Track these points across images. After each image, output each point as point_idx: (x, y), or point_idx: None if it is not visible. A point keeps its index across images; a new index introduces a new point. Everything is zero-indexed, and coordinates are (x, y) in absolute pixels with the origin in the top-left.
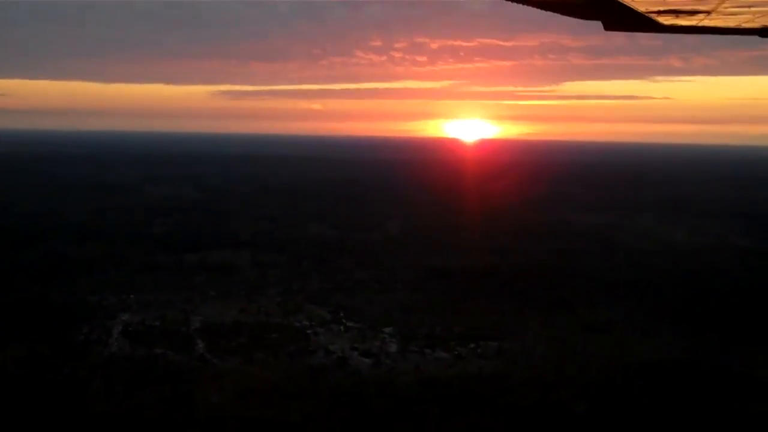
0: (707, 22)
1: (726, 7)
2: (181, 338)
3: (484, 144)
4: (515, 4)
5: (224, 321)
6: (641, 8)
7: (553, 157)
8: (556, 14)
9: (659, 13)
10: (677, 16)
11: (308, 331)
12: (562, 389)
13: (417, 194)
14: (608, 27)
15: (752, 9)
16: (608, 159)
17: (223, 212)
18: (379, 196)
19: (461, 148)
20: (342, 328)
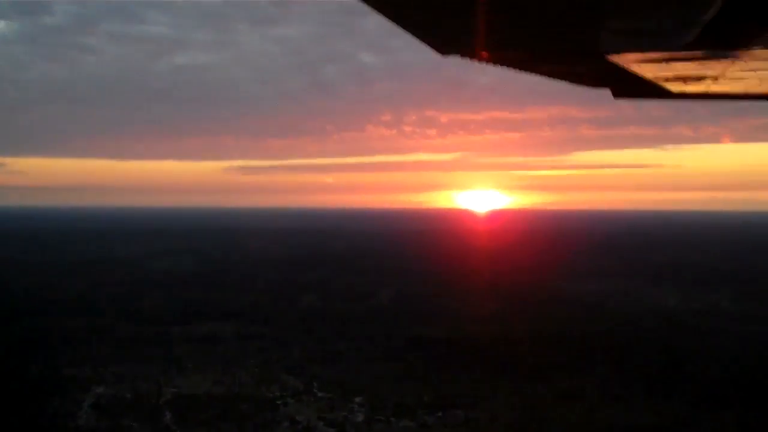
0: (715, 88)
1: (732, 72)
2: (150, 410)
3: (495, 215)
4: (524, 78)
5: (197, 392)
6: (649, 75)
7: (563, 227)
8: (564, 87)
9: (667, 80)
10: (685, 83)
11: (278, 402)
12: None
13: (417, 264)
14: (617, 95)
15: (758, 73)
16: (617, 227)
17: (218, 285)
18: (378, 266)
19: (472, 219)
20: (313, 398)
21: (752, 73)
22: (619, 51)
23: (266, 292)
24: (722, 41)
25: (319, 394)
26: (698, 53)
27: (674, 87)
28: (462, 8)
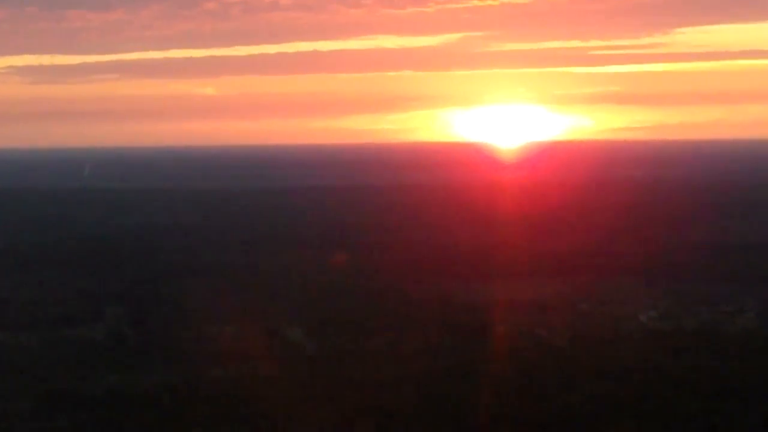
0: None
1: None
2: None
3: (528, 154)
4: None
5: None
6: None
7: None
8: None
9: None
10: None
11: None
12: None
13: (232, 258)
14: None
15: None
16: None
17: None
18: (162, 261)
19: (477, 163)
20: None
21: None
22: None
23: None
24: None
25: None
26: None
27: None
28: None
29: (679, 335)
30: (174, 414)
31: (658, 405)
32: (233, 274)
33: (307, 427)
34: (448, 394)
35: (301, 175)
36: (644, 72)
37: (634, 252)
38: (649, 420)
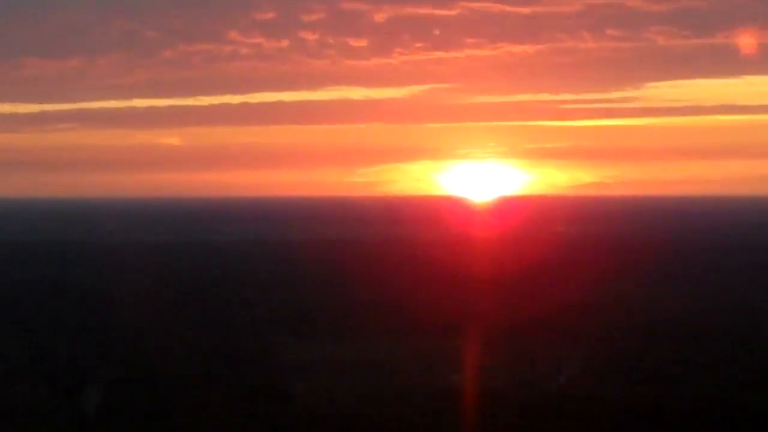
0: None
1: None
2: None
3: (496, 208)
4: None
5: None
6: None
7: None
8: None
9: None
10: None
11: None
12: None
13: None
14: None
15: None
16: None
17: None
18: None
19: (441, 218)
20: None
21: None
22: None
23: None
24: None
25: None
26: None
27: None
28: None
29: (474, 395)
30: None
31: None
32: (71, 329)
33: None
34: None
35: (250, 229)
36: (616, 126)
37: (502, 311)
38: None
